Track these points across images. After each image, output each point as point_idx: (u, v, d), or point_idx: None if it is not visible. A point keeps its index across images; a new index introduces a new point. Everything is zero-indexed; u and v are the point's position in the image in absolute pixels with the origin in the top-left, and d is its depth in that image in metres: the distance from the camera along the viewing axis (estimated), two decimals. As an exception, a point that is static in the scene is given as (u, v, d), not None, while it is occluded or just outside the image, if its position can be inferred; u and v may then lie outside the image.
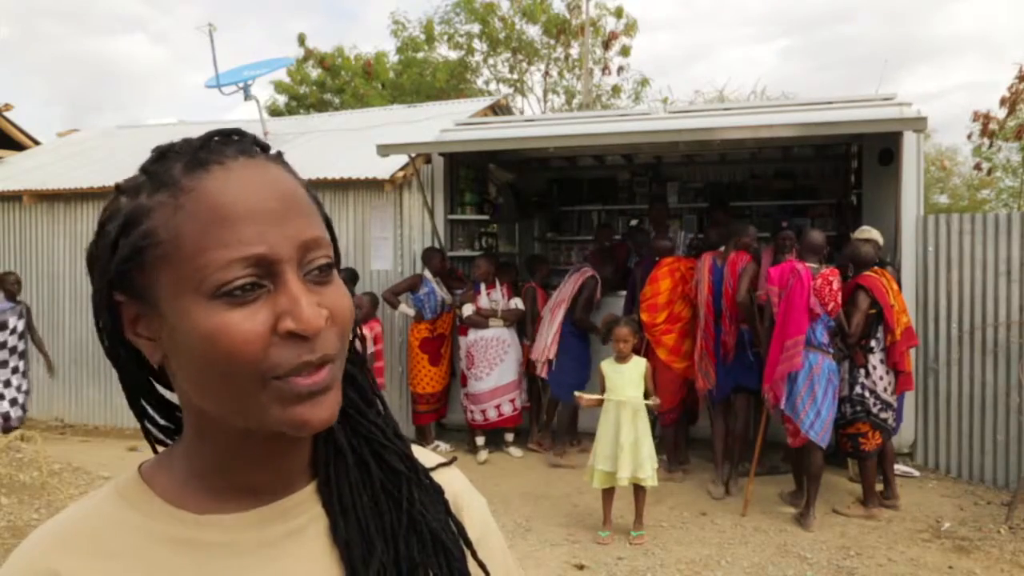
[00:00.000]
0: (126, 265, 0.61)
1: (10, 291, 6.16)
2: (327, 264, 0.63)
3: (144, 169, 0.64)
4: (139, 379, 0.70)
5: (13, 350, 6.08)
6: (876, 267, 4.90)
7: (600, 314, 6.29)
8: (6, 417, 6.08)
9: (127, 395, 0.71)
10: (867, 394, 4.77)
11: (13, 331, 6.08)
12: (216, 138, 0.64)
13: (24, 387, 6.17)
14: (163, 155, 0.63)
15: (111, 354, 0.68)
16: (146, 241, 0.60)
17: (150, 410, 0.73)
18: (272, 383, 0.59)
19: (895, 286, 4.92)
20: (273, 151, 0.67)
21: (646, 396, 4.55)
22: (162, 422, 0.74)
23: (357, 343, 0.76)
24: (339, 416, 0.72)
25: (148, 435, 0.73)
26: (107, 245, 0.62)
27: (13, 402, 6.08)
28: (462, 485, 0.81)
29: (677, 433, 5.73)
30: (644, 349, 5.72)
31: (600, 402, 4.55)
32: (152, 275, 0.60)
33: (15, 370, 6.10)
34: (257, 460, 0.66)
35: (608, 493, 4.60)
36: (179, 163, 0.61)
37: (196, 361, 0.60)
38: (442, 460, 0.81)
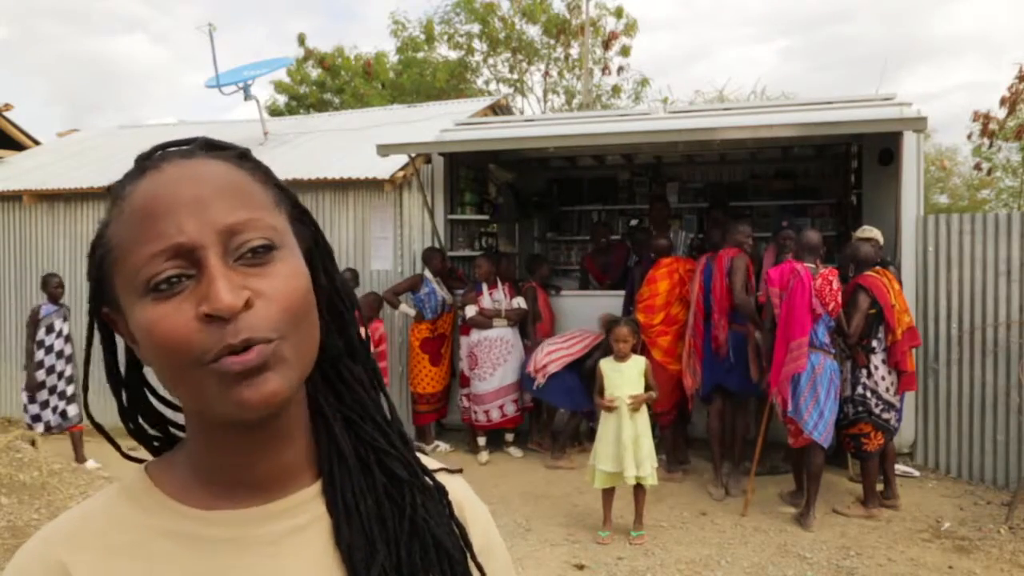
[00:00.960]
0: (98, 275, 0.66)
1: (53, 294, 6.15)
2: (262, 246, 0.62)
3: (109, 189, 0.69)
4: (129, 389, 0.74)
5: (60, 354, 6.05)
6: (878, 267, 4.89)
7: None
8: (47, 425, 6.05)
9: (119, 407, 0.74)
10: (869, 394, 4.77)
11: (59, 334, 6.07)
12: (162, 149, 0.67)
13: (68, 392, 6.10)
14: (125, 175, 0.67)
15: (88, 358, 0.73)
16: (104, 250, 0.65)
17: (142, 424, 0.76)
18: (209, 368, 0.59)
19: (897, 286, 4.91)
20: (237, 150, 0.69)
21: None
22: (154, 432, 0.76)
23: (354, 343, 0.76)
24: (342, 421, 0.73)
25: (138, 442, 0.76)
26: (89, 263, 0.68)
27: (55, 409, 6.05)
28: (465, 494, 0.81)
29: (675, 434, 5.73)
30: (640, 350, 5.73)
31: (612, 401, 4.53)
32: (112, 282, 0.65)
33: (60, 375, 6.06)
34: (244, 450, 0.66)
35: (608, 493, 4.60)
36: (128, 177, 0.66)
37: (149, 355, 0.63)
38: (445, 467, 0.81)
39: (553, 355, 5.82)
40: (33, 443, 5.92)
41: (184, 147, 0.67)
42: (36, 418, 6.06)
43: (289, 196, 0.70)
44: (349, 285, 0.75)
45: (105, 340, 0.70)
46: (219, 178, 0.64)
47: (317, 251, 0.72)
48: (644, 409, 4.55)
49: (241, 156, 0.68)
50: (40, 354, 6.01)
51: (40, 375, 5.99)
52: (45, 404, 6.04)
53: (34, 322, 6.05)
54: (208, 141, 0.68)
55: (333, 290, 0.73)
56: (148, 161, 0.65)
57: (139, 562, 0.64)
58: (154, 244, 0.60)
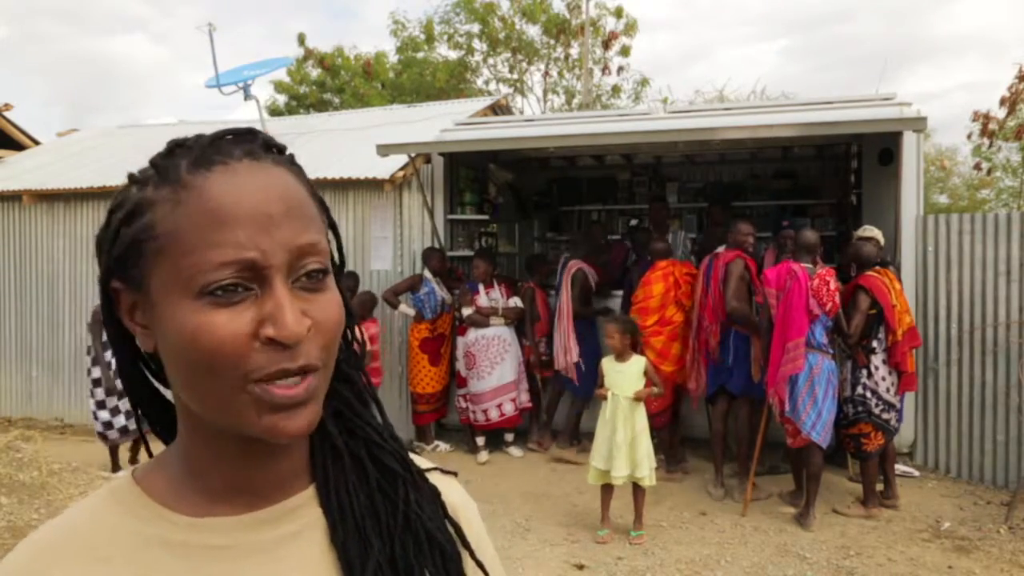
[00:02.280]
0: (125, 254, 0.63)
1: None
2: (318, 270, 0.62)
3: (153, 162, 0.64)
4: (135, 369, 0.72)
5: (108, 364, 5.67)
6: (879, 267, 4.89)
7: (599, 303, 6.37)
8: (124, 430, 5.76)
9: (123, 382, 0.72)
10: (869, 395, 4.77)
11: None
12: (228, 137, 0.64)
13: (113, 404, 5.73)
14: (173, 150, 0.64)
15: (111, 336, 0.70)
16: (145, 234, 0.61)
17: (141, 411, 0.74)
18: (251, 387, 0.59)
19: (898, 286, 4.91)
20: (287, 152, 0.67)
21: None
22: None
23: (355, 346, 0.76)
24: (335, 417, 0.72)
25: (144, 425, 0.75)
26: (111, 233, 0.64)
27: (128, 414, 5.63)
28: (459, 494, 0.81)
29: (672, 434, 5.73)
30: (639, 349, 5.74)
31: (605, 391, 4.56)
32: (148, 267, 0.61)
33: (96, 382, 5.77)
34: (247, 460, 0.66)
35: (607, 491, 4.60)
36: (186, 159, 0.62)
37: (181, 357, 0.60)
38: (437, 466, 0.81)
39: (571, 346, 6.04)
40: (122, 461, 5.65)
41: (249, 144, 0.64)
42: (108, 425, 5.77)
43: (324, 207, 0.69)
44: (349, 296, 0.75)
45: (111, 316, 0.68)
46: (290, 193, 0.62)
47: (335, 262, 0.71)
48: (642, 410, 4.55)
49: (291, 161, 0.67)
50: (108, 355, 5.64)
51: (111, 377, 5.62)
52: (116, 410, 5.73)
53: (98, 322, 5.65)
54: (267, 140, 0.66)
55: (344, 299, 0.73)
56: (214, 152, 0.62)
57: (129, 571, 0.62)
58: (223, 252, 0.58)
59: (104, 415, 5.78)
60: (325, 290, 0.63)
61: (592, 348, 6.14)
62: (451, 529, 0.74)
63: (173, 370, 0.63)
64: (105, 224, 0.66)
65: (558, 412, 6.39)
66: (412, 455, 0.78)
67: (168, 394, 0.72)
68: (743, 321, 5.13)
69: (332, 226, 0.70)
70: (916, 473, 5.59)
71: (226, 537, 0.65)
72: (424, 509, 0.73)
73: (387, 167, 6.84)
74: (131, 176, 0.66)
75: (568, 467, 5.87)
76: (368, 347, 5.59)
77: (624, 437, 4.41)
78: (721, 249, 5.42)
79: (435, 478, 0.78)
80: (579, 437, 6.28)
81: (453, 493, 0.80)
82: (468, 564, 0.75)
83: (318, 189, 0.69)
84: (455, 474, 0.84)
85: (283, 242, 0.60)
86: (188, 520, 0.65)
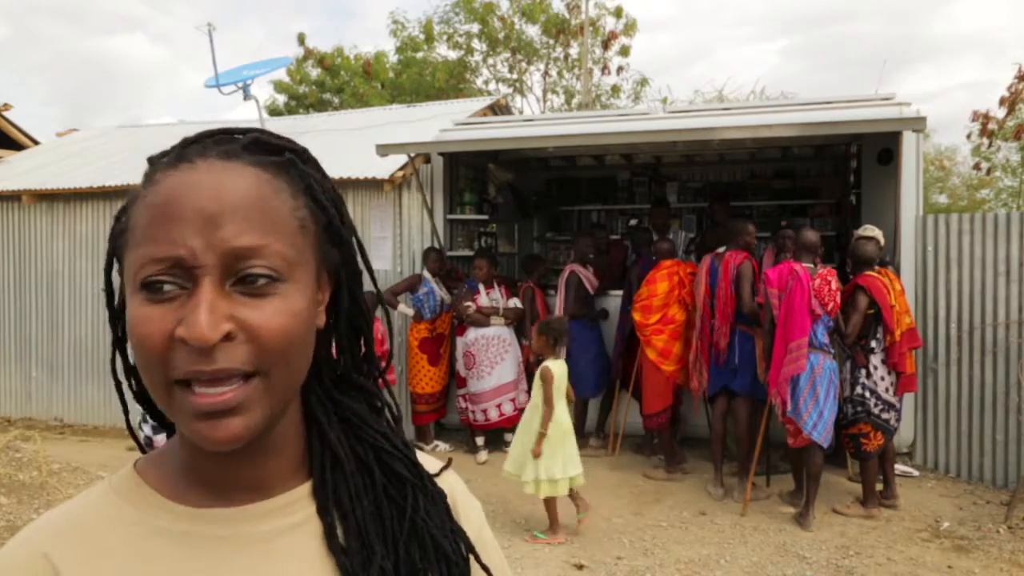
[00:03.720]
0: (116, 244, 0.65)
1: None
2: (260, 275, 0.60)
3: (149, 160, 0.66)
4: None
5: None
6: (879, 267, 4.89)
7: (599, 304, 6.37)
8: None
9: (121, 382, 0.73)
10: (868, 394, 4.77)
11: None
12: (214, 137, 0.65)
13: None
14: (170, 148, 0.65)
15: (114, 332, 0.71)
16: (123, 227, 0.64)
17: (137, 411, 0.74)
18: (175, 390, 0.59)
19: (898, 286, 4.90)
20: (285, 154, 0.66)
21: (547, 400, 4.42)
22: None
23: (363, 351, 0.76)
24: (343, 424, 0.72)
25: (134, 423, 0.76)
26: (112, 230, 0.67)
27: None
28: (460, 490, 0.82)
29: (671, 435, 5.73)
30: (635, 349, 5.74)
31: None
32: (122, 257, 0.64)
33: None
34: (224, 463, 0.66)
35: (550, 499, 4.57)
36: (168, 157, 0.64)
37: (133, 349, 0.62)
38: (442, 465, 0.81)
39: None
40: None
41: (230, 144, 0.64)
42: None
43: (327, 214, 0.67)
44: (369, 306, 0.74)
45: (112, 316, 0.70)
46: (243, 193, 0.61)
47: (344, 271, 0.70)
48: (537, 419, 4.44)
49: (288, 163, 0.66)
50: None
51: None
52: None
53: None
54: (258, 140, 0.66)
55: (358, 311, 0.73)
56: (186, 150, 0.63)
57: (130, 561, 0.63)
58: (158, 248, 0.59)
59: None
60: (273, 296, 0.60)
61: (590, 349, 6.14)
62: (456, 533, 0.75)
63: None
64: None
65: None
66: (422, 455, 0.79)
67: None
68: (757, 322, 5.11)
69: (336, 234, 0.68)
70: (915, 473, 5.59)
71: (226, 527, 0.65)
72: (432, 516, 0.73)
73: (386, 167, 6.83)
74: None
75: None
76: (378, 347, 5.62)
77: (559, 437, 4.40)
78: (723, 249, 5.43)
79: (442, 479, 0.78)
80: (596, 431, 6.32)
81: (455, 491, 0.80)
82: (474, 566, 0.75)
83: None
84: (450, 460, 0.84)
85: (217, 243, 0.58)
86: (189, 511, 0.65)
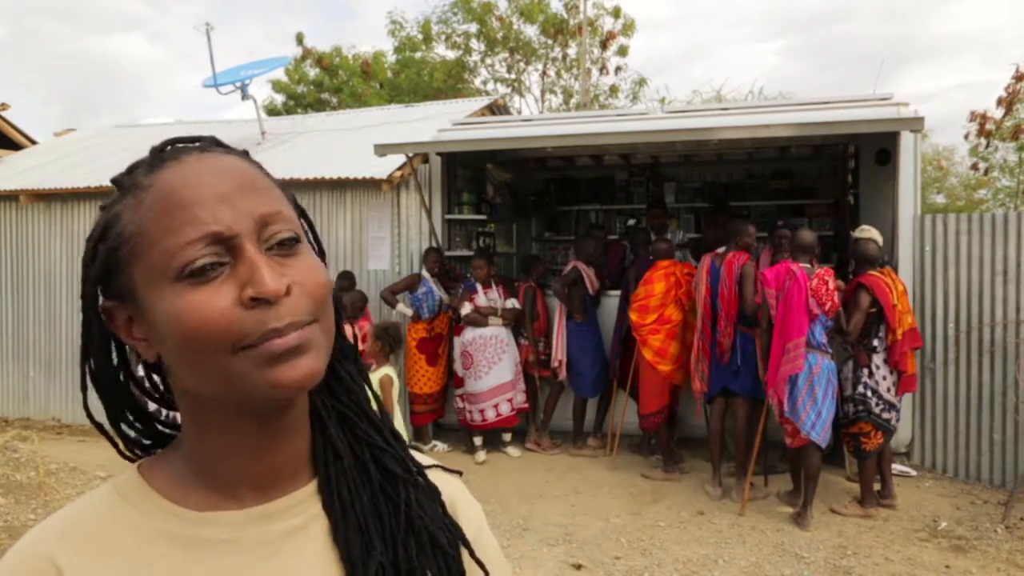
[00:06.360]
0: (106, 267, 0.65)
1: None
2: (289, 238, 0.64)
3: (115, 181, 0.67)
4: (118, 388, 0.71)
5: None
6: (881, 267, 4.89)
7: (600, 304, 6.38)
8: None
9: (107, 408, 0.72)
10: (869, 394, 4.77)
11: None
12: (177, 145, 0.68)
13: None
14: (131, 167, 0.67)
15: (85, 355, 0.70)
16: (117, 241, 0.64)
17: (127, 425, 0.74)
18: (237, 355, 0.60)
19: (900, 286, 4.90)
20: (238, 150, 0.70)
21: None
22: (135, 435, 0.75)
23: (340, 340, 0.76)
24: (337, 420, 0.73)
25: (122, 442, 0.74)
26: (89, 255, 0.67)
27: None
28: (459, 491, 0.82)
29: (669, 435, 5.73)
30: (633, 349, 5.74)
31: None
32: (127, 272, 0.64)
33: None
34: (258, 442, 0.66)
35: None
36: (141, 168, 0.65)
37: (174, 343, 0.61)
38: (441, 465, 0.82)
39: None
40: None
41: (197, 143, 0.68)
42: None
43: (289, 194, 0.72)
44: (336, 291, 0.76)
45: (101, 336, 0.69)
46: (242, 171, 0.65)
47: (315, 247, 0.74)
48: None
49: (245, 154, 0.70)
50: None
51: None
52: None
53: None
54: (216, 140, 0.69)
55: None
56: (164, 153, 0.66)
57: (134, 564, 0.63)
58: (189, 232, 0.60)
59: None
60: (300, 255, 0.65)
61: (589, 350, 6.14)
62: (450, 528, 0.75)
63: (175, 360, 0.64)
64: (85, 252, 0.68)
65: (557, 412, 6.39)
66: (416, 452, 0.79)
67: (151, 406, 0.74)
68: (759, 322, 5.10)
69: (303, 214, 0.73)
70: (913, 472, 5.60)
71: (230, 531, 0.66)
72: (426, 510, 0.73)
73: (385, 167, 6.83)
74: (101, 206, 0.68)
75: (567, 467, 5.88)
76: (361, 346, 5.50)
77: None
78: (722, 249, 5.43)
79: (436, 477, 0.79)
80: (593, 431, 6.33)
81: (455, 492, 0.80)
82: (469, 563, 0.76)
83: (315, 188, 0.71)
84: (460, 473, 0.85)
85: (245, 212, 0.62)
86: (192, 514, 0.66)
